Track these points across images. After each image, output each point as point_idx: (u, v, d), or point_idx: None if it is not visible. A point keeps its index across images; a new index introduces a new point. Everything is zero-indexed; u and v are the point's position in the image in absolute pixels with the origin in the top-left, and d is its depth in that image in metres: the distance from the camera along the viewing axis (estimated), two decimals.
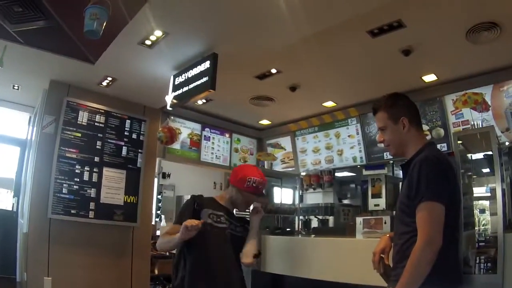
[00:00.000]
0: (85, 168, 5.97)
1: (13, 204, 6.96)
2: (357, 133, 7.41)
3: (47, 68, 5.65)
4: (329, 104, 7.44)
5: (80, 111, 6.10)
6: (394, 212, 5.87)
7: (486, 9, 4.21)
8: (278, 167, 8.78)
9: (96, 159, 6.11)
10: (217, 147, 8.49)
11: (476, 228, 3.86)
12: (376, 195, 6.23)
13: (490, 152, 3.85)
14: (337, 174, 7.80)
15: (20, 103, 7.20)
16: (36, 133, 6.00)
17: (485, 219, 3.95)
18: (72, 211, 5.74)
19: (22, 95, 6.79)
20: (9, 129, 7.27)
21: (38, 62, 5.46)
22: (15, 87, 6.42)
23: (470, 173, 4.21)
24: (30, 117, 7.26)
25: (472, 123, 5.15)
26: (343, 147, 7.64)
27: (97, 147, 6.16)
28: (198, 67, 4.97)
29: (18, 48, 4.92)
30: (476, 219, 3.97)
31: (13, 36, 4.66)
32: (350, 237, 4.20)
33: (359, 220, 3.99)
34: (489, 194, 3.98)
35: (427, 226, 2.01)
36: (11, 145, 7.33)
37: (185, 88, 5.16)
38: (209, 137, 8.39)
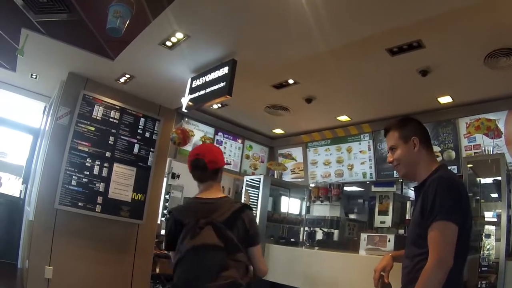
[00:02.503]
0: (96, 162, 6.02)
1: (21, 191, 7.04)
2: (369, 149, 7.41)
3: (66, 60, 5.72)
4: (344, 118, 7.44)
5: (95, 105, 6.16)
6: (402, 231, 5.89)
7: (505, 36, 4.21)
8: (288, 177, 8.79)
9: (108, 154, 6.16)
10: (229, 152, 8.52)
11: (481, 252, 3.85)
12: (383, 212, 6.22)
13: (499, 178, 3.85)
14: (346, 189, 7.77)
15: (37, 92, 7.31)
16: (50, 123, 6.07)
17: (490, 244, 3.94)
18: (79, 204, 5.78)
19: (40, 84, 6.88)
20: (23, 117, 7.36)
21: (58, 54, 5.53)
22: (33, 76, 6.50)
23: (478, 197, 4.21)
24: (45, 107, 7.35)
25: (483, 148, 5.12)
26: (353, 162, 7.64)
27: (110, 142, 6.21)
28: (217, 71, 5.01)
29: (39, 38, 4.99)
30: (481, 243, 3.96)
31: (36, 26, 4.73)
32: (353, 252, 4.20)
33: (363, 236, 3.99)
34: (495, 219, 3.98)
35: (439, 246, 2.01)
36: (24, 133, 7.42)
37: (202, 92, 5.19)
38: (222, 141, 8.43)
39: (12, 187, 7.23)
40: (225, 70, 4.89)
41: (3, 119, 7.23)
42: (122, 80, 6.15)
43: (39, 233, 5.51)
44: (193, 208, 2.72)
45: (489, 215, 4.28)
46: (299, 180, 8.59)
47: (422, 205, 2.17)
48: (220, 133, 8.41)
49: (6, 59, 5.92)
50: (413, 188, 2.50)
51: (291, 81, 6.00)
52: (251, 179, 6.92)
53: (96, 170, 6.01)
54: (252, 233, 2.66)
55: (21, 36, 4.96)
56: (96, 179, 5.99)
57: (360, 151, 7.57)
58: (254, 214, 6.09)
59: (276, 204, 7.79)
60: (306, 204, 7.63)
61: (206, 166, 2.75)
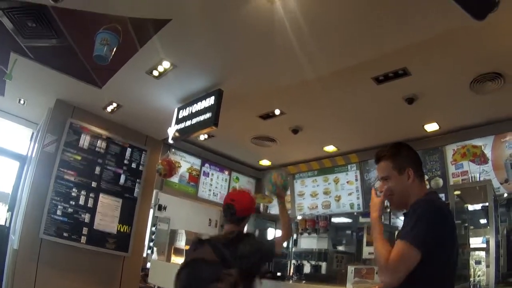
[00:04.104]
0: (82, 192, 5.96)
1: (6, 218, 6.88)
2: (356, 180, 7.40)
3: (54, 86, 5.71)
4: (330, 148, 7.46)
5: (82, 134, 6.14)
6: None
7: (491, 60, 4.25)
8: (275, 209, 8.70)
9: (94, 184, 6.10)
10: (215, 184, 8.47)
11: (471, 279, 3.82)
12: (371, 244, 6.15)
13: (487, 204, 3.85)
14: (333, 220, 7.72)
15: (24, 118, 7.24)
16: (37, 150, 6.00)
17: (481, 270, 3.91)
18: (64, 234, 5.69)
19: (27, 110, 6.83)
20: (10, 142, 7.27)
21: (46, 80, 5.52)
22: (21, 102, 6.46)
23: (466, 224, 4.20)
24: (32, 133, 7.28)
25: (471, 175, 5.14)
26: (341, 193, 7.61)
27: (96, 172, 6.17)
28: (203, 102, 5.03)
29: (28, 63, 4.98)
30: (472, 270, 3.93)
31: (25, 50, 4.73)
32: (341, 285, 4.14)
33: (350, 269, 3.94)
34: (485, 245, 3.95)
35: (393, 257, 1.98)
36: (10, 159, 7.31)
37: (188, 123, 5.20)
38: (208, 173, 8.39)
39: None
40: (211, 100, 4.92)
41: None
42: (109, 109, 6.14)
43: (24, 263, 5.39)
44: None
45: (478, 241, 4.27)
46: None
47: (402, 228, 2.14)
48: (206, 165, 8.38)
49: None
50: (402, 216, 2.44)
51: (277, 112, 6.02)
52: None
53: (81, 200, 5.94)
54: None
55: (10, 60, 4.95)
56: (81, 209, 5.93)
57: (347, 182, 7.55)
58: None
59: (263, 236, 7.71)
60: (293, 236, 7.56)
61: (235, 213, 3.06)
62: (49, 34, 4.31)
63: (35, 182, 5.67)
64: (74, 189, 5.90)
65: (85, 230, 5.89)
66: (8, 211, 6.92)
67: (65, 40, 4.38)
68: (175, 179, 7.48)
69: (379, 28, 3.66)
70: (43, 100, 6.20)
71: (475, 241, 4.27)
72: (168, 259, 6.69)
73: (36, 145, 6.28)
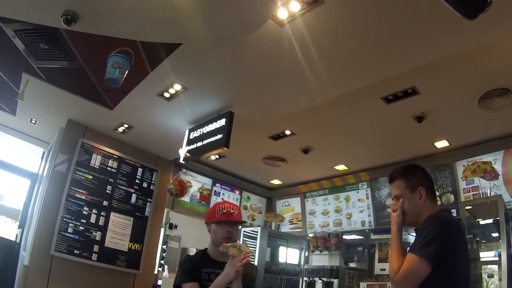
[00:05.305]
0: (93, 211, 6.00)
1: (17, 234, 6.93)
2: (367, 198, 7.38)
3: (65, 107, 5.78)
4: (341, 167, 7.48)
5: (93, 154, 6.21)
6: None
7: (499, 77, 4.26)
8: (286, 227, 8.72)
9: (105, 203, 6.15)
10: None
11: None
12: (383, 260, 6.14)
13: (498, 218, 3.85)
14: (345, 237, 7.72)
15: (36, 137, 7.34)
16: (48, 169, 6.06)
17: (494, 283, 3.89)
18: (75, 251, 5.72)
19: (39, 130, 6.92)
20: (22, 161, 7.36)
21: (58, 100, 5.59)
22: (33, 121, 6.54)
23: (478, 239, 4.19)
24: (44, 152, 7.36)
25: (481, 191, 5.12)
26: (352, 211, 7.60)
27: (107, 191, 6.22)
28: (214, 123, 5.08)
29: (40, 83, 5.06)
30: (485, 283, 3.91)
31: (36, 71, 4.81)
32: None
33: (362, 285, 3.95)
34: (497, 259, 3.94)
35: (402, 270, 2.04)
36: (22, 177, 7.40)
37: (199, 143, 5.24)
38: (219, 192, 8.41)
39: (8, 230, 7.13)
40: (222, 122, 4.96)
41: (2, 162, 7.21)
42: (120, 129, 6.21)
43: (34, 279, 5.40)
44: None
45: (490, 255, 4.24)
46: (298, 230, 8.51)
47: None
48: (217, 184, 8.41)
49: (6, 103, 5.96)
50: (414, 232, 2.47)
51: (288, 132, 6.08)
52: (248, 230, 6.87)
53: (93, 219, 5.98)
54: None
55: (22, 81, 5.02)
56: (92, 227, 5.95)
57: (358, 200, 7.54)
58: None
59: (274, 254, 7.70)
60: (305, 254, 7.54)
61: None
62: (61, 56, 4.38)
63: (47, 200, 5.72)
64: (85, 208, 5.94)
65: (96, 248, 5.91)
66: (19, 227, 6.98)
67: (77, 62, 4.46)
68: (186, 198, 7.52)
69: (386, 49, 3.69)
70: (54, 120, 6.28)
71: (488, 255, 4.25)
72: None
73: (48, 164, 6.35)
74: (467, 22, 2.23)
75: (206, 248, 2.96)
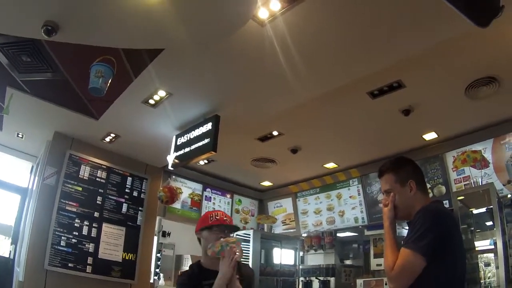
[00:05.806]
0: (85, 223, 5.94)
1: (10, 251, 6.85)
2: (359, 194, 7.38)
3: (51, 119, 5.73)
4: (331, 165, 7.47)
5: (82, 165, 6.16)
6: None
7: (484, 65, 4.26)
8: (279, 228, 8.69)
9: (96, 214, 6.09)
10: (218, 208, 8.42)
11: (482, 281, 3.81)
12: (379, 255, 6.14)
13: (491, 206, 3.86)
14: (339, 235, 7.71)
15: (23, 151, 7.24)
16: (38, 183, 5.99)
17: (491, 271, 3.90)
18: (70, 265, 5.66)
19: (26, 143, 6.83)
20: (10, 176, 7.27)
21: (43, 113, 5.53)
22: (19, 135, 6.47)
23: (472, 228, 4.20)
24: (32, 166, 7.28)
25: (472, 180, 5.14)
26: (344, 208, 7.59)
27: (98, 202, 6.17)
28: (200, 128, 5.05)
29: (24, 97, 5.00)
30: (482, 272, 3.92)
31: (21, 85, 4.76)
32: None
33: (359, 282, 3.94)
34: (493, 247, 3.95)
35: (397, 265, 2.04)
36: (12, 192, 7.31)
37: (187, 149, 5.21)
38: (210, 197, 8.36)
39: (1, 247, 7.05)
40: (208, 126, 4.94)
41: None
42: (107, 139, 6.16)
43: None
44: None
45: (486, 244, 4.26)
46: (291, 230, 8.50)
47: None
48: (208, 189, 8.36)
49: None
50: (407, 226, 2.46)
51: (275, 133, 6.08)
52: (241, 233, 6.85)
53: (85, 231, 5.93)
54: None
55: (6, 95, 4.96)
56: (85, 239, 5.90)
57: (350, 197, 7.53)
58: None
59: (269, 256, 7.67)
60: (300, 254, 7.53)
61: None
62: (44, 68, 4.33)
63: (37, 214, 5.65)
64: (76, 220, 5.88)
65: (90, 260, 5.86)
66: (11, 243, 6.91)
67: (60, 73, 4.41)
68: (177, 205, 7.46)
69: (368, 45, 3.69)
70: (41, 133, 6.21)
71: (483, 244, 4.27)
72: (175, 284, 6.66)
73: (37, 178, 6.28)
74: (450, 12, 2.21)
75: (199, 261, 2.87)
